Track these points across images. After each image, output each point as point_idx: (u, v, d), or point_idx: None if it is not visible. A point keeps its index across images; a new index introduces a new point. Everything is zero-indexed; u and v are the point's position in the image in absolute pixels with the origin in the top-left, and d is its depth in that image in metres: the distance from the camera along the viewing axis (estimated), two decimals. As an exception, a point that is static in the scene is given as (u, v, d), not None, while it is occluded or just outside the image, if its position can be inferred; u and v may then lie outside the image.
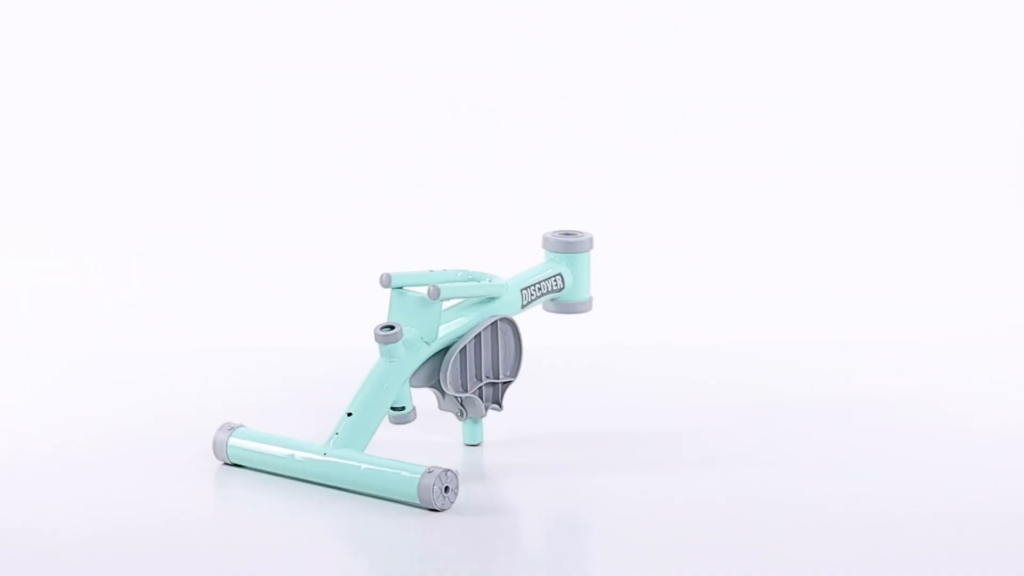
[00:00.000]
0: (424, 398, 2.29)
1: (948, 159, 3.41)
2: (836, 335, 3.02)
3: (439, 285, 2.20)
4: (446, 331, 2.24)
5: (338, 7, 3.37)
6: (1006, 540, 2.03)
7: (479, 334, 2.26)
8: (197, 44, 3.30)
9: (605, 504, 2.16)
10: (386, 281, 2.21)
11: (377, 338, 2.17)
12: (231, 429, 2.26)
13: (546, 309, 2.44)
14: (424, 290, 2.22)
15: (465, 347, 2.24)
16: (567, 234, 2.43)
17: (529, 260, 2.42)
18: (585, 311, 2.44)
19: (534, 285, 2.36)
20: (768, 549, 2.00)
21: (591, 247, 2.43)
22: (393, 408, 2.21)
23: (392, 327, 2.17)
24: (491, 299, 2.30)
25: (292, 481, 2.20)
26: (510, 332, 2.30)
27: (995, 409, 2.57)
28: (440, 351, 2.25)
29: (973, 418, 2.53)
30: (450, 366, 2.23)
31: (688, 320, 3.06)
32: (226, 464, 2.26)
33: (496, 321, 2.28)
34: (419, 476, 2.10)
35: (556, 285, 2.39)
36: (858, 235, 3.32)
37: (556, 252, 2.41)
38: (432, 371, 2.24)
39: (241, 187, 3.30)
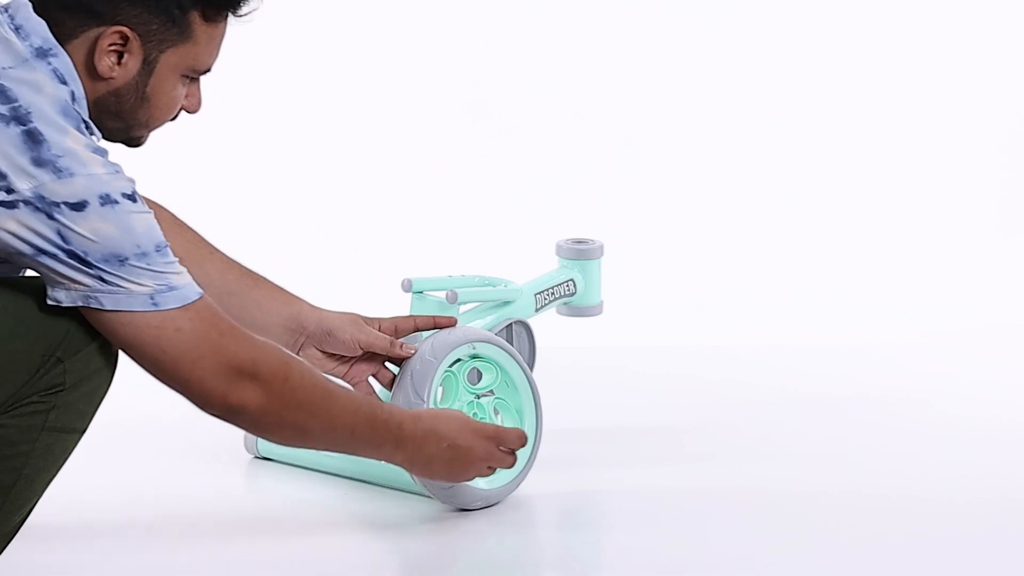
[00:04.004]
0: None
1: (945, 161, 3.41)
2: (836, 337, 3.04)
3: (457, 290, 2.23)
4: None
5: (359, 20, 3.44)
6: (1002, 534, 2.06)
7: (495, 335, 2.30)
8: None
9: (615, 494, 2.20)
10: (407, 286, 2.24)
11: None
12: None
13: (559, 313, 2.46)
14: (443, 295, 2.24)
15: (484, 347, 2.31)
16: (579, 242, 2.45)
17: (544, 266, 2.45)
18: (596, 314, 2.47)
19: (547, 290, 2.39)
20: (768, 538, 2.04)
21: (602, 254, 2.45)
22: (417, 405, 2.26)
23: None
24: (507, 303, 2.33)
25: (318, 474, 2.22)
26: (524, 334, 2.33)
27: (990, 407, 2.60)
28: None
29: (968, 416, 2.55)
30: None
31: (693, 322, 3.08)
32: (256, 458, 2.29)
33: (511, 324, 2.31)
34: None
35: (568, 290, 2.42)
36: (859, 241, 3.34)
37: (569, 259, 2.43)
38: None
39: (267, 192, 3.33)
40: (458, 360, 2.09)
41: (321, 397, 1.77)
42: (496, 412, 2.14)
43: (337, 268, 3.19)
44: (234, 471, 2.27)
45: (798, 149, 3.43)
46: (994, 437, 2.45)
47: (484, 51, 3.45)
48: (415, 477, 2.04)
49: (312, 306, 2.03)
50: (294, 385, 1.73)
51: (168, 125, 1.81)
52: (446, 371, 2.06)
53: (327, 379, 1.81)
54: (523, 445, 2.01)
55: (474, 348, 2.07)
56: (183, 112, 1.80)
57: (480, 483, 2.07)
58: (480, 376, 2.13)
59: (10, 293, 1.64)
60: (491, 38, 3.46)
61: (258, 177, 3.34)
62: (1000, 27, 3.46)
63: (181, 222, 2.00)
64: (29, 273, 1.70)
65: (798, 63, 3.46)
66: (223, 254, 2.01)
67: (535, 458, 2.11)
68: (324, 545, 2.00)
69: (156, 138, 3.32)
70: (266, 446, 2.30)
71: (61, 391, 1.66)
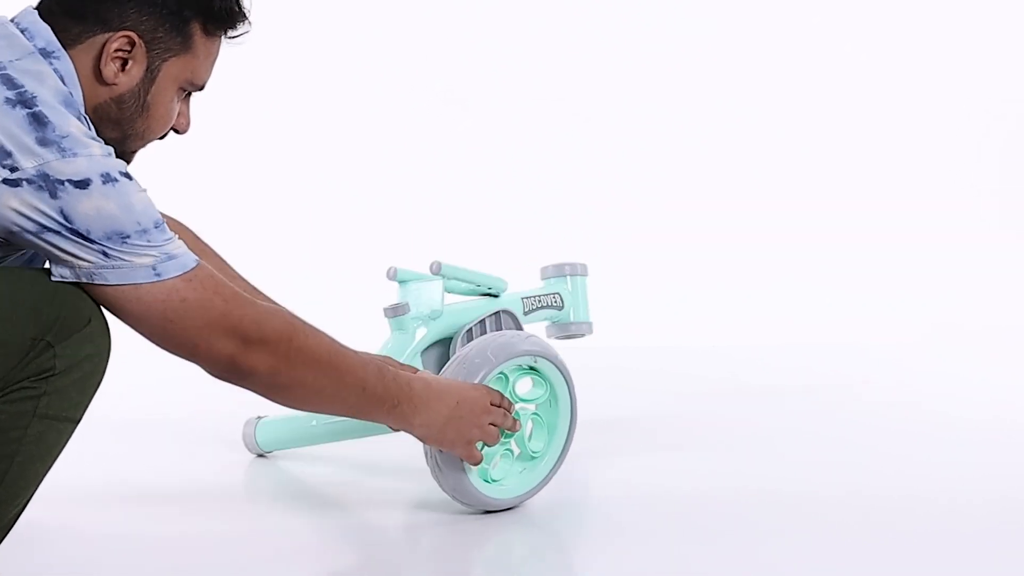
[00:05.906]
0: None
1: (946, 162, 3.44)
2: (836, 337, 3.07)
3: (441, 262, 2.26)
4: (454, 319, 2.30)
5: (360, 22, 3.45)
6: (1002, 534, 2.04)
7: (484, 320, 2.33)
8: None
9: (615, 494, 2.22)
10: (392, 274, 2.27)
11: (386, 313, 2.24)
12: (258, 419, 2.34)
13: (550, 334, 2.50)
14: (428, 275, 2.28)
15: (471, 328, 2.31)
16: (562, 265, 2.51)
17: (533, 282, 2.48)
18: (587, 333, 2.51)
19: (535, 297, 2.44)
20: (768, 537, 2.02)
21: (586, 273, 2.49)
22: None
23: (399, 303, 2.25)
24: (495, 296, 2.37)
25: (318, 474, 2.24)
26: (512, 323, 2.38)
27: (990, 407, 2.64)
28: (450, 338, 2.32)
29: (968, 416, 2.59)
30: (458, 343, 2.30)
31: (693, 323, 3.11)
32: (257, 456, 2.32)
33: (499, 312, 2.35)
34: None
35: (555, 302, 2.46)
36: (860, 241, 3.37)
37: (553, 277, 2.49)
38: (443, 354, 2.32)
39: (264, 196, 3.37)
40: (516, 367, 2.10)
41: (328, 355, 1.80)
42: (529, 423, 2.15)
43: (336, 269, 3.22)
44: (234, 471, 2.31)
45: (799, 150, 3.46)
46: (994, 437, 2.48)
47: (483, 51, 3.46)
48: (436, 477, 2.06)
49: None
50: (299, 345, 1.76)
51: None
52: (500, 374, 2.07)
53: (334, 340, 1.84)
54: (509, 406, 2.02)
55: (535, 361, 2.08)
56: (172, 132, 1.84)
57: (495, 491, 2.08)
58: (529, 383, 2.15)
59: (0, 278, 1.67)
60: (489, 37, 3.47)
61: (256, 180, 3.38)
62: (1000, 28, 3.47)
63: (205, 246, 2.04)
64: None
65: (798, 63, 3.49)
66: (245, 282, 2.05)
67: (553, 476, 2.13)
68: (324, 544, 2.01)
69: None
70: (265, 441, 2.31)
71: (52, 376, 1.68)
